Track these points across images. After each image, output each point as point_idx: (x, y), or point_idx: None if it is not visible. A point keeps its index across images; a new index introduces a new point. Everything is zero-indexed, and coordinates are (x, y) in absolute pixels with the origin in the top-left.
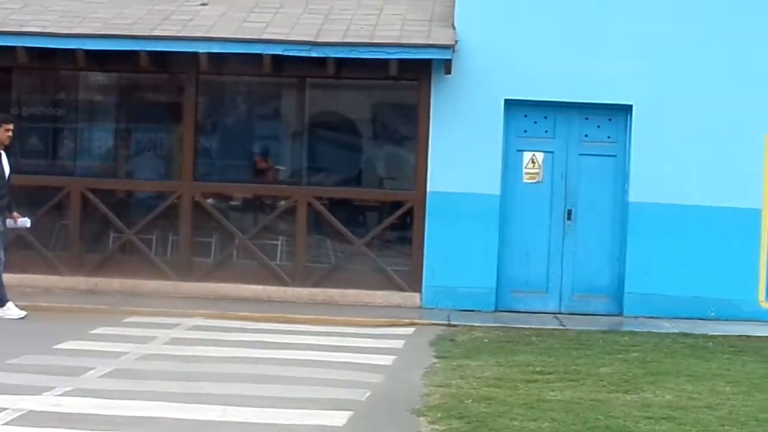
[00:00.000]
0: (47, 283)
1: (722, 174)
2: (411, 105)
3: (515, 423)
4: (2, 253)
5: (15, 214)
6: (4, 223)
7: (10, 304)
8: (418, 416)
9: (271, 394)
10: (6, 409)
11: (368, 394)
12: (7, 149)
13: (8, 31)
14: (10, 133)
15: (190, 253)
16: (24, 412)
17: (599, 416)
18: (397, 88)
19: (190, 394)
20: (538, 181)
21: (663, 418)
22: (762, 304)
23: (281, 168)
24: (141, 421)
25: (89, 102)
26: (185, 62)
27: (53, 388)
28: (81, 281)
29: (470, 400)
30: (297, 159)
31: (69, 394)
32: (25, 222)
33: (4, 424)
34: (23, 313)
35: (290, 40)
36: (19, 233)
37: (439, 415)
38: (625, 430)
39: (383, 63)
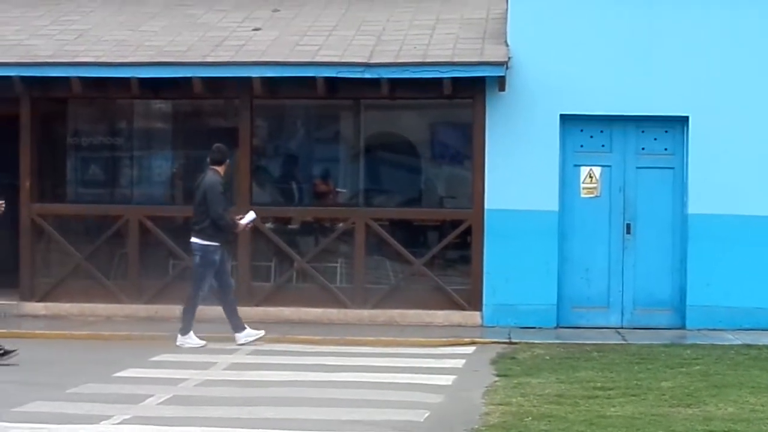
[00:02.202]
0: (108, 312)
1: None
2: (466, 123)
3: None
4: (232, 280)
5: (238, 217)
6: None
7: (248, 331)
8: None
9: (330, 417)
10: None
11: (427, 414)
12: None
13: (63, 62)
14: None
15: (249, 277)
16: None
17: (660, 431)
18: (451, 106)
19: (249, 419)
20: (596, 196)
21: (724, 431)
22: None
23: (341, 190)
24: None
25: (145, 130)
26: (239, 87)
27: (111, 416)
28: (141, 309)
29: (530, 418)
30: (355, 180)
31: (127, 422)
32: (251, 216)
33: None
34: (261, 332)
35: (343, 62)
36: None
37: None
38: None
39: (437, 82)
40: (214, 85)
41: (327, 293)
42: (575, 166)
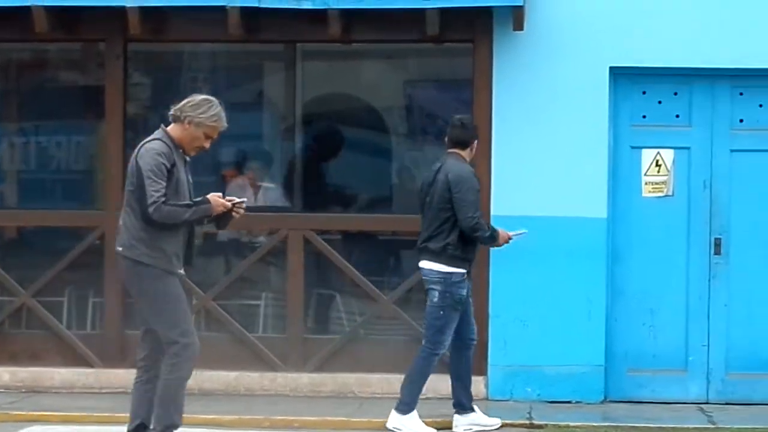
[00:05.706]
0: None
1: None
2: (463, 81)
3: None
4: (475, 328)
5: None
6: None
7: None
8: None
9: None
10: None
11: None
12: None
13: None
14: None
15: (119, 324)
16: None
17: None
18: (439, 55)
19: None
20: (666, 195)
21: None
22: None
23: (266, 185)
24: None
25: None
26: (106, 24)
27: None
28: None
29: None
30: (287, 170)
31: None
32: (522, 231)
33: None
34: (496, 421)
35: None
36: None
37: None
38: None
39: (417, 16)
40: (67, 19)
41: (245, 347)
42: (633, 148)
